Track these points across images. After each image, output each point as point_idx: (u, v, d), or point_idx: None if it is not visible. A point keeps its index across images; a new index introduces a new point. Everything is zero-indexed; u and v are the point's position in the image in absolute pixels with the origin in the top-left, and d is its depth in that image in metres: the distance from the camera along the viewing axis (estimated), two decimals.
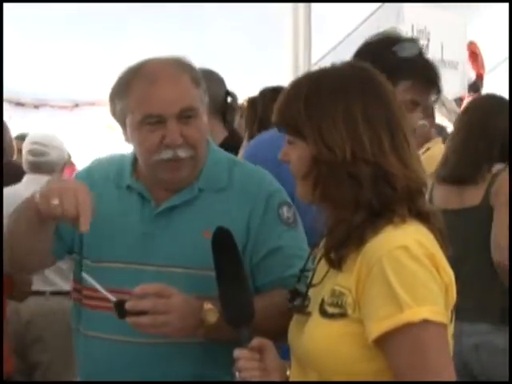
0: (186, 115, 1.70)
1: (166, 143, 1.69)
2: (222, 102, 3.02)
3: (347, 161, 1.36)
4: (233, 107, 3.10)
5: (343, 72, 1.44)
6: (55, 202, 1.53)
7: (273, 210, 1.76)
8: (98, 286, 1.58)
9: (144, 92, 1.69)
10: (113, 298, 1.57)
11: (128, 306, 1.54)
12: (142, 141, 1.72)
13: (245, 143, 3.09)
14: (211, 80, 2.99)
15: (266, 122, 2.94)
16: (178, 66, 1.75)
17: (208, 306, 1.61)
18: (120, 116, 1.75)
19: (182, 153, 1.70)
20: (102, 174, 1.85)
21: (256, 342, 1.48)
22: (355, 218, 1.36)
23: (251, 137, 3.10)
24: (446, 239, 1.42)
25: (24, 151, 3.70)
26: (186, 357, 1.71)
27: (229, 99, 3.07)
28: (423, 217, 1.39)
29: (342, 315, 1.34)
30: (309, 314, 1.42)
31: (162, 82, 1.70)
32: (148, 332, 1.57)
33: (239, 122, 3.75)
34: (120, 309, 1.55)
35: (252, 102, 3.43)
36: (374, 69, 1.47)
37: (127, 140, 1.78)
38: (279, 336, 1.54)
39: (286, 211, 1.77)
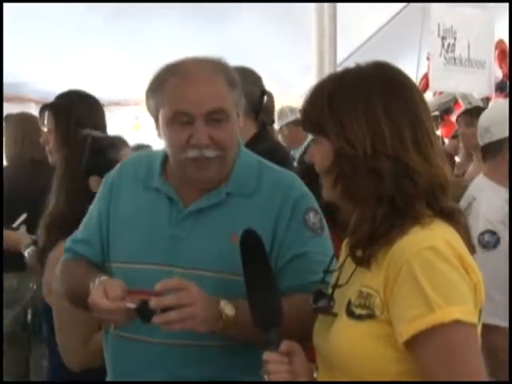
0: (215, 117, 1.69)
1: (193, 143, 1.69)
2: (255, 101, 2.95)
3: (368, 155, 1.37)
4: (267, 107, 3.03)
5: (366, 71, 1.45)
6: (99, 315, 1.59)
7: (299, 215, 1.75)
8: None
9: (177, 88, 1.70)
10: (132, 304, 1.54)
11: (153, 303, 1.52)
12: (171, 137, 1.73)
13: None
14: (245, 79, 2.98)
15: None
16: (214, 67, 1.74)
17: (224, 301, 1.60)
18: (153, 111, 1.76)
19: (209, 153, 1.70)
20: (131, 174, 1.85)
21: (285, 345, 1.47)
22: (377, 213, 1.35)
23: None
24: (470, 237, 1.41)
25: None
26: (206, 359, 1.71)
27: (265, 99, 3.00)
28: (448, 215, 1.39)
29: (370, 316, 1.33)
30: (335, 315, 1.41)
31: (196, 81, 1.69)
32: (175, 328, 1.54)
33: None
34: (144, 312, 1.53)
35: None
36: (398, 68, 1.47)
37: (159, 136, 1.79)
38: (296, 338, 1.53)
39: (312, 217, 1.76)
